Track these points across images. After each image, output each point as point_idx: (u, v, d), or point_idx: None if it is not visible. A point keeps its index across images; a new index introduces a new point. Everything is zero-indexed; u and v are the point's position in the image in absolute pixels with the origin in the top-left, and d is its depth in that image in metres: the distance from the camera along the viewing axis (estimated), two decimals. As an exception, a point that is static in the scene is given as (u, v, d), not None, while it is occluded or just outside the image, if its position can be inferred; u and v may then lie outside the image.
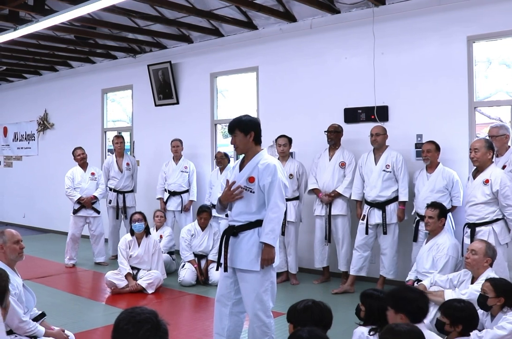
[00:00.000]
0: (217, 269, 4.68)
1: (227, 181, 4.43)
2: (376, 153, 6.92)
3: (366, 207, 6.92)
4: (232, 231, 4.36)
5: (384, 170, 6.78)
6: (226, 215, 7.74)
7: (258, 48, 8.70)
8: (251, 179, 4.28)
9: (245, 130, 4.31)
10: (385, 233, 6.76)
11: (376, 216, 6.80)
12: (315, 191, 7.34)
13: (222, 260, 4.38)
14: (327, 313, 3.44)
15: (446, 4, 6.79)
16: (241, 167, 4.43)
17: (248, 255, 4.25)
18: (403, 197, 6.75)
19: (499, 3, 6.41)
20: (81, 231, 8.88)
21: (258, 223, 4.26)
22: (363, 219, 6.91)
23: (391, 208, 6.76)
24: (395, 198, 6.78)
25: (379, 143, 6.85)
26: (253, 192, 4.27)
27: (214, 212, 8.01)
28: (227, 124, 4.62)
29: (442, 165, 6.49)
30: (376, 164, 6.86)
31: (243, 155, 4.51)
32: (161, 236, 8.05)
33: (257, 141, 4.39)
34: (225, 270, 4.34)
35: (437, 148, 6.46)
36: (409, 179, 6.79)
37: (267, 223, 4.19)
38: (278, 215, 4.23)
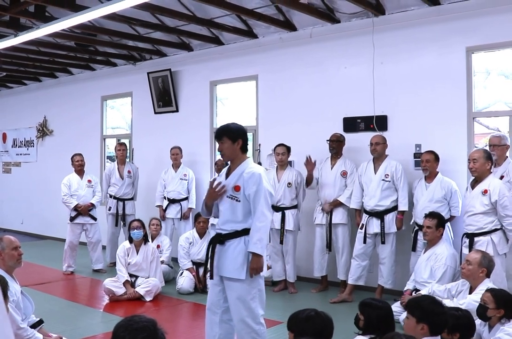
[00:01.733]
0: (205, 277, 4.71)
1: (210, 182, 4.51)
2: (376, 162, 6.93)
3: (364, 216, 6.93)
4: (218, 239, 4.40)
5: (383, 180, 6.79)
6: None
7: (258, 57, 8.72)
8: (236, 188, 4.31)
9: (233, 137, 4.34)
10: (383, 242, 6.75)
11: (374, 226, 6.80)
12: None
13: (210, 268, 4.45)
14: (329, 324, 3.44)
15: (445, 15, 6.83)
16: (228, 175, 4.46)
17: (234, 263, 4.28)
18: (403, 206, 6.74)
19: (498, 14, 6.44)
20: (78, 239, 8.86)
21: (244, 232, 4.29)
22: (361, 228, 6.91)
23: (390, 217, 6.76)
24: (394, 208, 6.78)
25: (378, 152, 6.87)
26: (239, 201, 4.31)
27: (212, 220, 8.02)
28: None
29: (441, 175, 6.50)
30: (375, 174, 6.87)
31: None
32: (158, 246, 7.99)
33: (244, 149, 4.43)
34: (211, 277, 4.41)
35: (436, 158, 6.47)
36: (409, 188, 6.80)
37: (255, 232, 4.21)
38: (265, 224, 4.25)
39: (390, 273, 6.80)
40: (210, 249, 4.41)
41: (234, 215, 4.33)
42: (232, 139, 4.33)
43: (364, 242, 6.85)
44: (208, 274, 7.16)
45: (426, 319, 3.46)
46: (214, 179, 4.44)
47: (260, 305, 4.33)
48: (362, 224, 6.90)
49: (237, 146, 4.35)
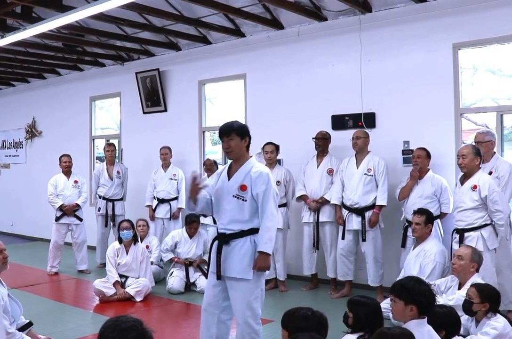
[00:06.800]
0: (206, 277, 4.65)
1: (193, 175, 4.35)
2: (358, 157, 6.93)
3: (344, 212, 6.93)
4: (224, 239, 4.30)
5: (365, 174, 6.78)
6: (214, 222, 7.77)
7: (246, 56, 8.72)
8: (243, 187, 4.22)
9: (242, 134, 4.27)
10: (363, 240, 6.76)
11: (354, 222, 6.80)
12: (303, 198, 7.34)
13: (212, 269, 4.34)
14: (324, 323, 3.43)
15: (432, 12, 6.85)
16: (229, 173, 4.37)
17: (241, 263, 4.20)
18: (381, 201, 6.71)
19: (485, 10, 6.46)
20: (64, 239, 8.82)
21: (251, 232, 4.23)
22: (341, 224, 6.95)
23: (370, 214, 6.75)
24: (375, 205, 6.78)
25: (359, 147, 6.86)
26: (245, 201, 4.22)
27: (202, 219, 8.00)
28: (216, 131, 4.60)
29: (432, 172, 6.52)
30: (357, 168, 6.87)
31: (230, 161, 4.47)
32: (147, 247, 7.94)
33: (248, 147, 4.36)
34: (219, 278, 4.28)
35: (428, 155, 6.49)
36: (389, 184, 6.78)
37: (265, 232, 4.15)
38: (274, 223, 4.21)
39: (376, 271, 6.79)
40: (216, 249, 4.31)
41: (240, 214, 4.24)
42: (241, 136, 4.26)
43: (343, 238, 6.87)
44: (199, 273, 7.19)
45: (414, 300, 3.44)
46: (196, 172, 4.35)
47: (261, 305, 4.30)
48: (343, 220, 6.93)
49: (244, 144, 4.29)
